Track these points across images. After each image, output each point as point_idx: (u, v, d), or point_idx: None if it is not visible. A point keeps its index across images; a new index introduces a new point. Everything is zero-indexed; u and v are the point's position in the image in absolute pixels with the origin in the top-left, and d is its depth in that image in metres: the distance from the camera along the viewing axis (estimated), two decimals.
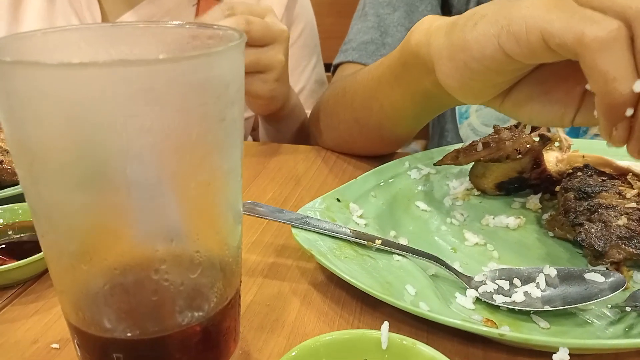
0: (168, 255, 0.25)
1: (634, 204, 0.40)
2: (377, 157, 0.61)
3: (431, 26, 0.41)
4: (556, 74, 0.35)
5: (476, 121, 0.69)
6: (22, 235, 0.43)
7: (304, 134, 0.79)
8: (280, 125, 0.78)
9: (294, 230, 0.39)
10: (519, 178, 0.47)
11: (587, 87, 0.30)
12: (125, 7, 0.82)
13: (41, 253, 0.37)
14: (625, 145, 0.31)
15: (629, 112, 0.29)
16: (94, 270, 0.25)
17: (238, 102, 0.26)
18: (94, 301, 0.26)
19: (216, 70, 0.24)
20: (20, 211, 0.44)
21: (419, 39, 0.42)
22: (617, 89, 0.28)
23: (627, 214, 0.39)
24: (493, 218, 0.45)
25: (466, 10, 0.70)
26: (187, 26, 0.30)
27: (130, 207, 0.24)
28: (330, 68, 0.76)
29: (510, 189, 0.48)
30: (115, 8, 0.82)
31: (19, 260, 0.37)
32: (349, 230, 0.40)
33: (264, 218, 0.41)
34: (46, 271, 0.39)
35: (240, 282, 0.29)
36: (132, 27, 0.32)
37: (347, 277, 0.34)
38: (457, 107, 0.72)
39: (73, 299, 0.26)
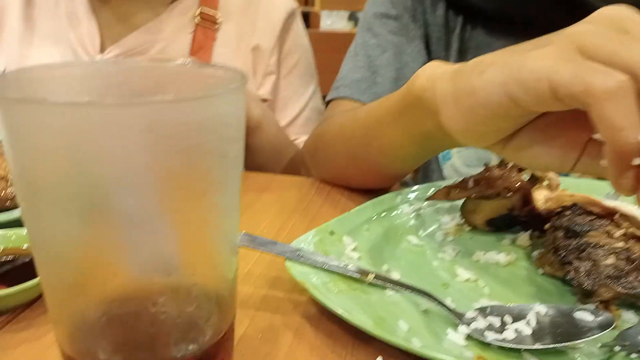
0: (165, 288, 0.25)
1: (621, 244, 0.41)
2: (370, 191, 0.61)
3: (436, 72, 0.43)
4: (560, 121, 0.37)
5: (458, 162, 0.70)
6: (14, 261, 0.43)
7: (289, 168, 0.80)
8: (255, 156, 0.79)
9: (287, 263, 0.40)
10: (509, 215, 0.48)
11: (596, 136, 0.31)
12: (124, 32, 0.83)
13: (34, 280, 0.37)
14: (636, 195, 0.32)
15: (637, 161, 0.30)
16: (92, 301, 0.25)
17: (239, 139, 0.27)
18: (90, 332, 0.26)
19: (218, 110, 0.25)
20: (13, 237, 0.44)
21: (423, 83, 0.43)
22: (624, 138, 0.29)
23: (615, 253, 0.40)
24: (484, 254, 0.45)
25: (445, 56, 0.72)
26: (190, 65, 0.31)
27: (129, 241, 0.24)
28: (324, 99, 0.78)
29: (501, 225, 0.49)
30: (114, 34, 0.83)
31: (10, 286, 0.37)
32: (342, 264, 0.40)
33: (258, 250, 0.41)
34: (38, 298, 0.39)
35: (235, 315, 0.29)
36: (135, 64, 0.33)
37: (339, 311, 0.35)
38: None
39: (69, 329, 0.26)
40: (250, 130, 0.75)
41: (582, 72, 0.30)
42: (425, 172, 0.80)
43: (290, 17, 0.89)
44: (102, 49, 0.82)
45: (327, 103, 0.75)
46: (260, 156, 0.78)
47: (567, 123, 0.36)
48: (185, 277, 0.26)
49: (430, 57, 0.74)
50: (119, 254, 0.24)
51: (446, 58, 0.73)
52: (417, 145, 0.50)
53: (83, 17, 0.82)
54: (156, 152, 0.23)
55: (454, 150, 0.71)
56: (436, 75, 0.42)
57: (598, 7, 0.64)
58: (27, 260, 0.42)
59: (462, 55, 0.72)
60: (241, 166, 0.28)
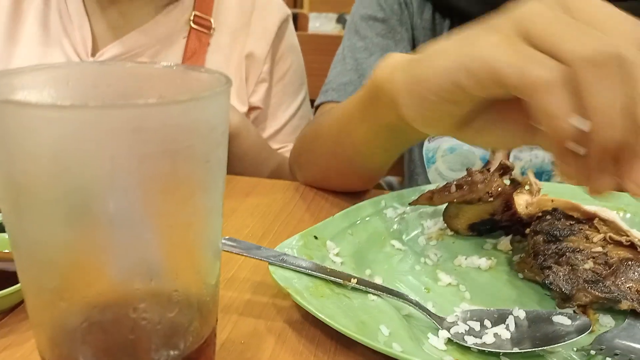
0: (147, 294, 0.25)
1: (600, 248, 0.42)
2: (354, 195, 0.62)
3: (394, 62, 0.44)
4: (515, 102, 0.37)
5: (442, 166, 0.71)
6: None
7: (275, 176, 0.80)
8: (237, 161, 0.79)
9: (270, 268, 0.40)
10: (490, 220, 0.48)
11: (533, 122, 0.32)
12: (117, 34, 0.82)
13: (15, 286, 0.37)
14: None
15: (571, 145, 0.31)
16: (73, 307, 0.25)
17: (223, 144, 0.27)
18: (71, 338, 0.26)
19: (203, 113, 0.25)
20: None
21: (382, 74, 0.45)
22: (558, 125, 0.30)
23: (593, 257, 0.41)
24: (465, 259, 0.46)
25: None
26: (175, 68, 0.31)
27: (112, 245, 0.24)
28: (314, 103, 0.78)
29: (483, 230, 0.49)
30: (107, 35, 0.83)
31: None
32: (326, 269, 0.40)
33: (241, 255, 0.42)
34: (19, 304, 0.39)
35: (217, 320, 0.30)
36: (120, 66, 0.33)
37: (322, 316, 0.35)
38: (424, 152, 0.74)
39: (49, 334, 0.26)
40: (230, 138, 0.75)
41: (520, 62, 0.31)
42: (410, 176, 0.80)
43: (283, 23, 0.89)
44: (94, 52, 0.82)
45: (317, 107, 0.76)
46: (239, 165, 0.78)
47: (520, 101, 0.37)
48: (167, 282, 0.26)
49: None
50: (100, 258, 0.24)
51: None
52: (384, 139, 0.51)
53: (75, 18, 0.82)
54: (140, 155, 0.23)
55: (439, 155, 0.72)
56: (395, 66, 0.43)
57: None
58: (7, 265, 0.42)
59: None
60: (225, 170, 0.28)
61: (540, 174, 0.68)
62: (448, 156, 0.71)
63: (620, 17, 0.32)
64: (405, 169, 0.84)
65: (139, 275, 0.25)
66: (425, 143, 0.73)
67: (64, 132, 0.22)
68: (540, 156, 0.68)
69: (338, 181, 0.62)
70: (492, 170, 0.48)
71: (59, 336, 0.26)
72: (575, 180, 0.33)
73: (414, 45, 0.75)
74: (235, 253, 0.42)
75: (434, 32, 0.75)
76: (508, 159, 0.69)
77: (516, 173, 0.67)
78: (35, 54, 0.81)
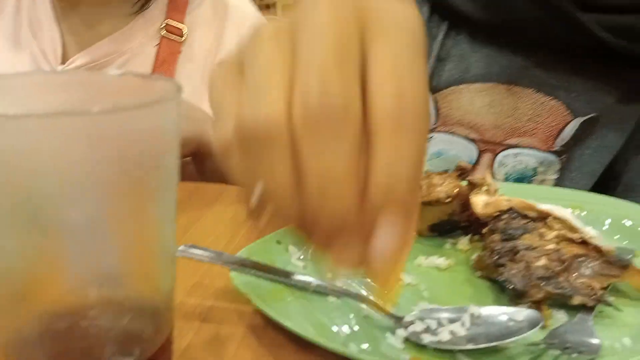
0: (98, 301, 0.25)
1: (553, 246, 0.43)
2: None
3: None
4: None
5: (428, 169, 0.71)
6: None
7: None
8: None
9: (232, 274, 0.40)
10: (449, 220, 0.49)
11: None
12: (87, 42, 0.81)
13: None
14: None
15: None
16: (26, 314, 0.25)
17: (173, 150, 0.27)
18: (25, 345, 0.26)
19: (152, 121, 0.25)
20: None
21: None
22: None
23: (546, 254, 0.42)
24: (425, 259, 0.47)
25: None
26: (127, 76, 0.31)
27: (63, 252, 0.25)
28: None
29: (443, 230, 0.50)
30: (77, 43, 0.82)
31: None
32: (286, 273, 0.41)
33: (203, 262, 0.42)
34: None
35: (173, 327, 0.30)
36: (74, 75, 0.33)
37: (281, 320, 0.35)
38: None
39: (3, 341, 0.26)
40: (208, 155, 0.76)
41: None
42: None
43: None
44: (65, 59, 0.81)
45: None
46: (221, 179, 0.78)
47: None
48: (119, 289, 0.26)
49: None
50: (52, 265, 0.25)
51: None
52: None
53: (45, 24, 0.81)
54: (89, 162, 0.23)
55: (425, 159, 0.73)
56: None
57: (587, 23, 0.65)
58: None
59: (440, 63, 0.72)
60: (177, 177, 0.28)
61: (522, 180, 0.70)
62: (434, 160, 0.72)
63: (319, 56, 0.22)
64: None
65: (90, 282, 0.25)
66: None
67: (14, 140, 0.22)
68: (524, 162, 0.69)
69: None
70: (449, 172, 0.49)
71: (12, 344, 0.26)
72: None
73: None
74: (198, 260, 0.42)
75: (430, 36, 0.74)
76: (493, 164, 0.70)
77: (500, 178, 0.69)
78: (3, 60, 0.80)
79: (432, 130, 0.73)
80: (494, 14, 0.69)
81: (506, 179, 0.70)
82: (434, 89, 0.72)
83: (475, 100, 0.70)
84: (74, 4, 0.81)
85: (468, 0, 0.71)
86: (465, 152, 0.71)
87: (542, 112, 0.68)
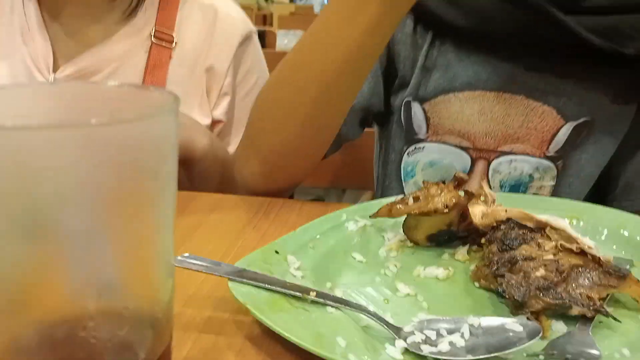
0: (96, 311, 0.25)
1: (551, 256, 0.43)
2: (316, 210, 0.62)
3: None
4: None
5: (422, 180, 0.72)
6: None
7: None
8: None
9: (230, 284, 0.40)
10: (447, 231, 0.49)
11: None
12: (77, 50, 0.82)
13: None
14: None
15: None
16: (23, 324, 0.25)
17: (171, 159, 0.27)
18: (22, 356, 0.26)
19: (150, 132, 0.25)
20: None
21: None
22: None
23: (545, 265, 0.42)
24: (424, 269, 0.47)
25: (410, 74, 0.74)
26: (126, 87, 0.31)
27: (62, 263, 0.25)
28: None
29: (441, 240, 0.51)
30: (67, 51, 0.82)
31: None
32: (285, 283, 0.41)
33: (201, 272, 0.42)
34: None
35: (171, 337, 0.29)
36: (73, 86, 0.33)
37: (280, 330, 0.35)
38: (403, 167, 0.75)
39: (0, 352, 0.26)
40: (197, 160, 0.76)
41: None
42: (384, 190, 0.81)
43: (246, 40, 0.89)
44: (56, 67, 0.81)
45: None
46: (211, 184, 0.78)
47: None
48: (117, 299, 0.26)
49: (398, 75, 0.75)
50: (50, 272, 0.25)
51: (411, 76, 0.73)
52: (367, 35, 0.51)
53: (36, 33, 0.81)
54: (88, 173, 0.23)
55: (419, 168, 0.73)
56: None
57: (572, 26, 0.66)
58: None
59: (426, 73, 0.72)
60: (175, 186, 0.28)
61: (518, 187, 0.70)
62: (428, 170, 0.72)
63: None
64: (379, 183, 0.84)
65: (89, 292, 0.25)
66: (405, 157, 0.74)
67: (14, 152, 0.22)
68: (519, 168, 0.69)
69: (295, 141, 0.62)
70: (447, 182, 0.49)
71: (11, 353, 0.26)
72: None
73: (393, 61, 0.75)
74: (196, 270, 0.42)
75: (415, 47, 0.74)
76: (487, 172, 0.70)
77: (495, 186, 0.69)
78: None
79: (423, 141, 0.73)
80: (478, 21, 0.70)
81: (502, 186, 0.70)
82: (422, 98, 0.72)
83: (465, 109, 0.70)
84: (55, 13, 0.82)
85: (451, 9, 0.71)
86: (458, 160, 0.71)
87: (533, 118, 0.68)
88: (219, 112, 0.88)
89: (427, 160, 0.73)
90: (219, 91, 0.87)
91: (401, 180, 0.75)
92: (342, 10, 0.51)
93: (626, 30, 0.65)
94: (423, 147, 0.73)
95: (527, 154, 0.69)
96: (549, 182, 0.69)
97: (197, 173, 0.78)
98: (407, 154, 0.73)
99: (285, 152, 0.64)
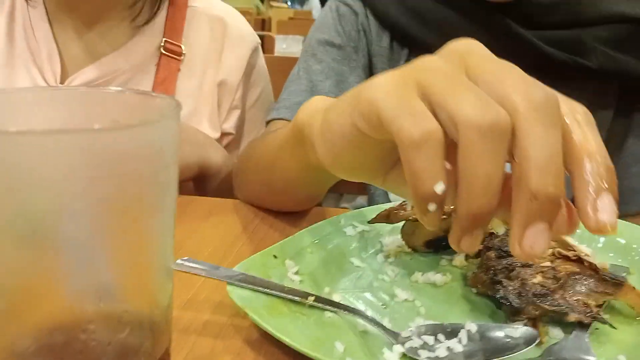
0: (96, 315, 0.25)
1: (548, 263, 0.43)
2: (315, 215, 0.62)
3: (317, 107, 0.43)
4: None
5: None
6: None
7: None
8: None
9: (228, 288, 0.40)
10: (445, 237, 0.49)
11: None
12: (86, 62, 0.81)
13: None
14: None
15: (431, 207, 0.29)
16: (22, 329, 0.25)
17: (172, 165, 0.27)
18: None
19: (151, 138, 0.26)
20: None
21: (304, 118, 0.44)
22: (421, 187, 0.29)
23: (542, 272, 0.42)
24: (422, 275, 0.47)
25: None
26: (127, 93, 0.31)
27: (62, 267, 0.25)
28: None
29: (439, 246, 0.51)
30: (76, 63, 0.81)
31: None
32: (283, 287, 0.41)
33: (200, 275, 0.42)
34: None
35: (170, 341, 0.30)
36: (74, 91, 0.33)
37: (278, 334, 0.35)
38: None
39: None
40: (211, 177, 0.76)
41: (398, 113, 0.30)
42: (371, 197, 0.81)
43: (254, 52, 0.89)
44: (63, 78, 0.80)
45: (267, 122, 0.76)
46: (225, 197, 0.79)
47: None
48: (117, 304, 0.26)
49: None
50: (49, 279, 0.25)
51: None
52: (313, 176, 0.51)
53: (43, 46, 0.80)
54: (88, 178, 0.24)
55: None
56: (316, 109, 0.42)
57: (530, 39, 0.66)
58: None
59: None
60: (175, 192, 0.28)
61: None
62: None
63: (519, 79, 0.30)
64: (369, 190, 0.85)
65: (89, 297, 0.25)
66: None
67: (15, 156, 0.22)
68: None
69: (273, 204, 0.63)
70: None
71: (11, 357, 0.26)
72: (433, 226, 0.32)
73: (371, 72, 0.76)
74: (194, 274, 0.42)
75: (392, 60, 0.76)
76: None
77: None
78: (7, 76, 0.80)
79: None
80: (444, 37, 0.70)
81: None
82: None
83: None
84: (63, 25, 0.81)
85: (420, 27, 0.72)
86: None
87: None
88: (229, 125, 0.88)
89: None
90: (230, 104, 0.87)
91: None
92: (290, 146, 0.50)
93: (588, 43, 0.66)
94: None
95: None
96: None
97: (210, 188, 0.78)
98: None
99: (257, 200, 0.65)
